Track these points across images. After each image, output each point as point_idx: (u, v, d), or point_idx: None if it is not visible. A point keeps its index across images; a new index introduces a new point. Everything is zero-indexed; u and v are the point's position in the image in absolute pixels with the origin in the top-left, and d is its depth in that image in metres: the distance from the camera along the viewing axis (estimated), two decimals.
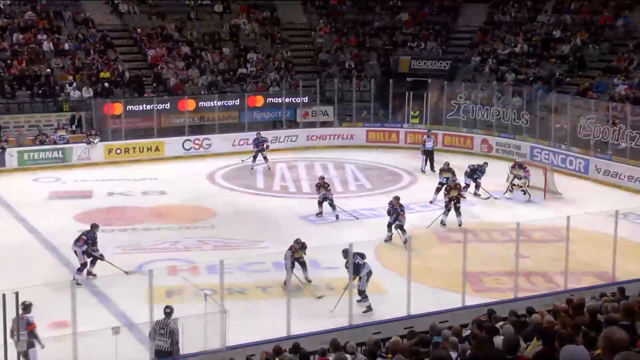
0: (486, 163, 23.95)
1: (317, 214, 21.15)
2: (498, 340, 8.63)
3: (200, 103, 30.04)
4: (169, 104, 29.57)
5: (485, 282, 16.34)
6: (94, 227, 16.77)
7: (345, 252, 14.14)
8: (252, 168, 26.29)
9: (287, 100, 30.99)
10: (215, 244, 18.71)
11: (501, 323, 10.24)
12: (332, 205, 20.92)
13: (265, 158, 26.30)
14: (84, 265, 16.25)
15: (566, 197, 23.26)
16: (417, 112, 31.28)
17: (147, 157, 28.15)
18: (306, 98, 31.34)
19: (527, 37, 33.49)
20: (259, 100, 30.70)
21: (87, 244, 16.31)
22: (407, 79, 32.88)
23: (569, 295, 12.47)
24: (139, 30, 33.07)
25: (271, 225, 20.32)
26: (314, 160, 27.82)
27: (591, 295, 12.10)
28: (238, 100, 30.49)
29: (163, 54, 32.21)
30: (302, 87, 31.52)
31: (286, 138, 30.39)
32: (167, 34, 33.30)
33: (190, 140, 29.05)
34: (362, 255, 14.87)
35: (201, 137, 29.26)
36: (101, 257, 16.43)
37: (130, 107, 28.69)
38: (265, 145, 26.38)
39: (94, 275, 16.40)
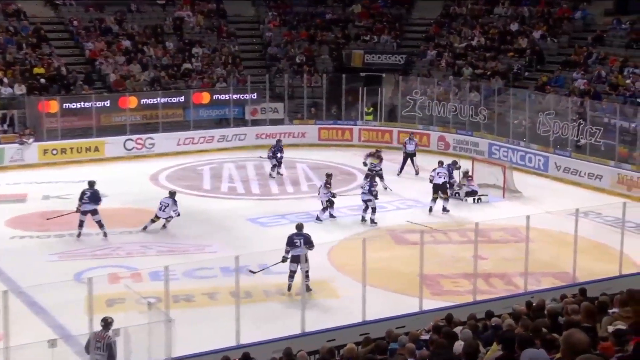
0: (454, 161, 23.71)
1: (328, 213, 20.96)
2: (457, 345, 8.76)
3: (142, 100, 29.54)
4: (109, 102, 29.13)
5: (443, 284, 16.27)
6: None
7: (299, 227, 15.86)
8: (281, 175, 25.44)
9: (234, 97, 30.72)
10: (160, 249, 18.50)
11: (460, 328, 10.35)
12: (331, 203, 20.56)
13: (278, 166, 25.51)
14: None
15: (526, 195, 23.22)
16: (371, 108, 31.17)
17: (86, 158, 27.69)
18: (255, 94, 31.17)
19: (484, 30, 33.75)
20: (205, 97, 30.44)
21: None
22: (361, 73, 32.71)
23: (529, 298, 12.91)
24: (75, 23, 32.54)
25: (219, 229, 20.17)
26: (263, 160, 27.15)
27: (552, 297, 12.28)
28: (183, 97, 30.18)
29: (102, 48, 31.73)
30: (251, 83, 31.24)
31: (234, 137, 30.06)
32: (106, 27, 32.86)
33: (132, 140, 28.56)
34: (306, 241, 15.45)
35: (144, 136, 28.82)
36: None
37: (66, 104, 28.20)
38: (280, 155, 25.49)
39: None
